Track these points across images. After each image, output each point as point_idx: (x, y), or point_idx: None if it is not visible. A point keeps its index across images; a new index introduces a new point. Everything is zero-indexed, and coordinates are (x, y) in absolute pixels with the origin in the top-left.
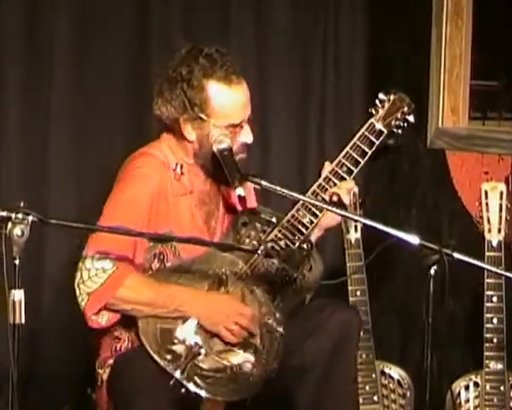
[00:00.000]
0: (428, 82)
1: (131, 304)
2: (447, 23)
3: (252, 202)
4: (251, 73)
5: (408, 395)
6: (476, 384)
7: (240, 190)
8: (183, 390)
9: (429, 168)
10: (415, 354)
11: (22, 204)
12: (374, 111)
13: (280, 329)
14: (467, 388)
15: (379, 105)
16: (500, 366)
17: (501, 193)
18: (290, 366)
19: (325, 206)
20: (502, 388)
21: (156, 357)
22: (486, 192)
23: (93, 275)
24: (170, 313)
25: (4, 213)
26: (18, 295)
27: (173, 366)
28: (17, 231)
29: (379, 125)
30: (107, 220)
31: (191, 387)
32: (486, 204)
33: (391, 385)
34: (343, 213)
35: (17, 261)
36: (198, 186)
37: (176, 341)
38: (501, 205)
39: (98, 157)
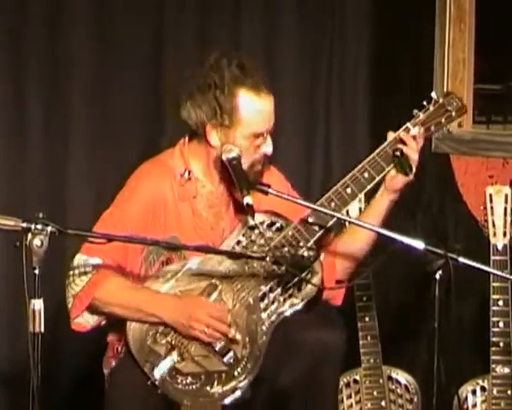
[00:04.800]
0: (432, 87)
1: (108, 306)
2: (450, 27)
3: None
4: None
5: (415, 399)
6: (483, 389)
7: (248, 199)
8: (159, 391)
9: (434, 173)
10: (422, 358)
11: (41, 215)
12: (416, 113)
13: (265, 339)
14: (474, 392)
15: (425, 106)
16: (507, 370)
17: (506, 196)
18: (269, 385)
19: (334, 213)
20: (509, 392)
21: (137, 357)
22: (491, 196)
23: (76, 278)
24: (146, 317)
25: (24, 224)
26: (38, 304)
27: (151, 366)
28: (37, 241)
29: (414, 131)
30: (101, 225)
31: (166, 391)
32: (491, 208)
33: (398, 390)
34: (349, 218)
35: (37, 271)
36: (207, 189)
37: (158, 341)
38: (506, 208)
39: (115, 168)
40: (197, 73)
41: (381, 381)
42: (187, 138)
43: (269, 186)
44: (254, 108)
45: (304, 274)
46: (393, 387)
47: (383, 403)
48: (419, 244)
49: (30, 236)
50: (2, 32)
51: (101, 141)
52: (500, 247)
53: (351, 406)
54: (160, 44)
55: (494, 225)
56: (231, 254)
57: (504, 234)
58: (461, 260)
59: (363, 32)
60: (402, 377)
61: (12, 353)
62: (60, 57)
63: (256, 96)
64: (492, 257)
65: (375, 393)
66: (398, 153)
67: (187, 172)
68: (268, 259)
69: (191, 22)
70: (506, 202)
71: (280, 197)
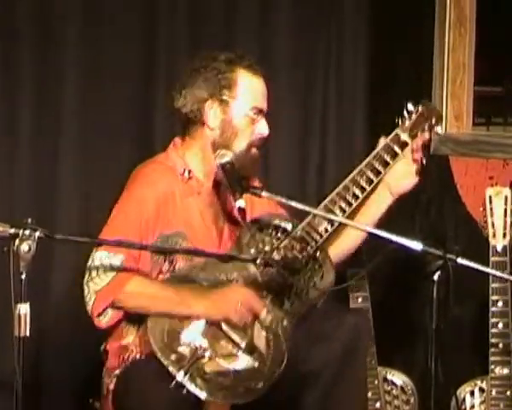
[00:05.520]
0: (431, 88)
1: (137, 299)
2: (450, 32)
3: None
4: None
5: (412, 401)
6: (482, 390)
7: (240, 202)
8: (184, 391)
9: (433, 174)
10: (418, 359)
11: (30, 221)
12: (400, 121)
13: (286, 336)
14: (472, 393)
15: (406, 116)
16: (506, 371)
17: (505, 198)
18: (298, 372)
19: (332, 217)
20: (508, 393)
21: (160, 356)
22: (491, 197)
23: (101, 272)
24: (173, 308)
25: (12, 230)
26: (24, 308)
27: (177, 367)
28: (24, 246)
29: (404, 136)
30: (113, 224)
31: (193, 389)
32: (491, 209)
33: (394, 391)
34: (345, 221)
35: (23, 276)
36: (207, 187)
37: (182, 342)
38: (505, 210)
39: (105, 173)
40: (191, 64)
41: (376, 382)
42: (179, 139)
43: (262, 188)
44: (252, 84)
45: (317, 273)
46: (389, 388)
47: (378, 405)
48: (417, 245)
49: (17, 241)
50: None
51: (91, 145)
52: (500, 248)
53: None
54: (152, 46)
55: (494, 227)
56: (222, 257)
57: (504, 235)
58: (459, 260)
59: (361, 32)
60: (398, 378)
61: None
62: (50, 60)
63: (253, 73)
64: (492, 258)
65: (370, 394)
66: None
67: (187, 172)
68: (258, 262)
69: (185, 22)
70: (506, 203)
71: (274, 200)
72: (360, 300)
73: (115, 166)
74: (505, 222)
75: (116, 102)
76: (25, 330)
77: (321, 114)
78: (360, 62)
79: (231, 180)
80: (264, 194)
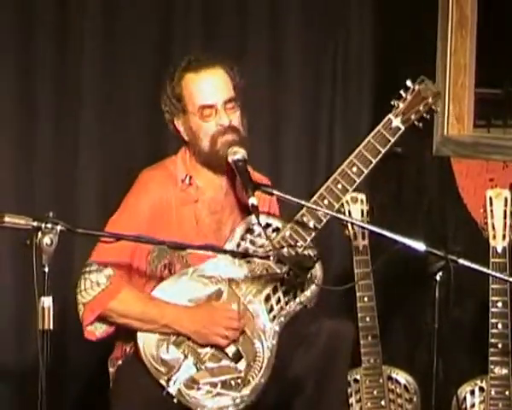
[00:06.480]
0: None
1: (122, 317)
2: (452, 34)
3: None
4: (264, 84)
5: (414, 399)
6: (481, 389)
7: (253, 200)
8: (174, 401)
9: (435, 176)
10: (421, 359)
11: (51, 214)
12: (396, 103)
13: (273, 341)
14: (472, 393)
15: (402, 95)
16: (505, 371)
17: (505, 199)
18: (283, 377)
19: (331, 213)
20: (507, 392)
21: (150, 368)
22: (491, 199)
23: (88, 287)
24: (159, 329)
25: (35, 224)
26: (47, 301)
27: (165, 378)
28: (46, 240)
29: (396, 122)
30: (108, 230)
31: (182, 399)
32: (491, 211)
33: (398, 390)
34: (351, 220)
35: (46, 269)
36: (209, 195)
37: (170, 352)
38: (505, 211)
39: (124, 169)
40: None
41: (380, 381)
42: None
43: (273, 187)
44: (196, 84)
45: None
46: (393, 387)
47: (383, 402)
48: (420, 246)
49: (40, 234)
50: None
51: (110, 143)
52: (499, 249)
53: (351, 405)
54: (167, 46)
55: (494, 228)
56: (236, 254)
57: (504, 237)
58: (461, 261)
59: (366, 34)
60: (401, 377)
61: (21, 350)
62: (68, 61)
63: (194, 73)
64: (492, 259)
65: (374, 392)
66: None
67: (188, 178)
68: (271, 258)
69: (197, 25)
70: (506, 204)
71: (285, 199)
72: (366, 299)
73: (133, 163)
74: (505, 224)
75: (133, 101)
76: (48, 323)
77: (328, 113)
78: (365, 63)
79: (243, 178)
80: (275, 192)
